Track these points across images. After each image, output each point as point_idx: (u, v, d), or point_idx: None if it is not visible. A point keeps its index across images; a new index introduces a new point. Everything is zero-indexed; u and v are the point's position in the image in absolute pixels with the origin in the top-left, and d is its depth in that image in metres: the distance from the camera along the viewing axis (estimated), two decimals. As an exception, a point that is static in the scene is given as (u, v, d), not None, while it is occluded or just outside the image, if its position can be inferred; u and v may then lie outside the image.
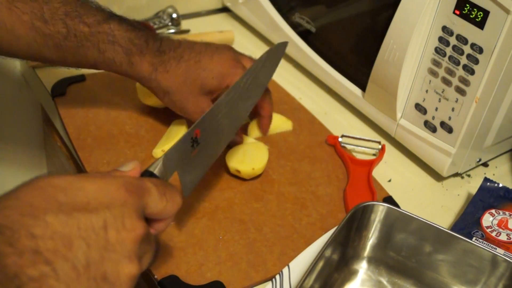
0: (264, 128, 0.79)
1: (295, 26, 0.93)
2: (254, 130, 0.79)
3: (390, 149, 0.82)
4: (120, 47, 0.68)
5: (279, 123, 0.81)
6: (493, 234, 0.67)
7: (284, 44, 0.75)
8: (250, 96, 0.69)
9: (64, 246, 0.41)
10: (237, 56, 0.73)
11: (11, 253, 0.39)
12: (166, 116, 0.80)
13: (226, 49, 0.73)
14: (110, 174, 0.48)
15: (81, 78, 0.84)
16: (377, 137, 0.84)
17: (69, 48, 0.66)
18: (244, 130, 0.79)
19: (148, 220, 0.47)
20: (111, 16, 0.68)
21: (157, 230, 0.48)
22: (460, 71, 0.70)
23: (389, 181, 0.77)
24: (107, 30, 0.67)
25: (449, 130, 0.74)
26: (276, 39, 0.97)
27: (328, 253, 0.58)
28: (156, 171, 0.50)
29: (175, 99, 0.71)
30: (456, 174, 0.79)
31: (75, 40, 0.66)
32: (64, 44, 0.66)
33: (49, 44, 0.65)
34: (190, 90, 0.71)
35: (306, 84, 0.94)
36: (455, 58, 0.70)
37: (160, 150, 0.73)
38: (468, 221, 0.69)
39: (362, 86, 0.83)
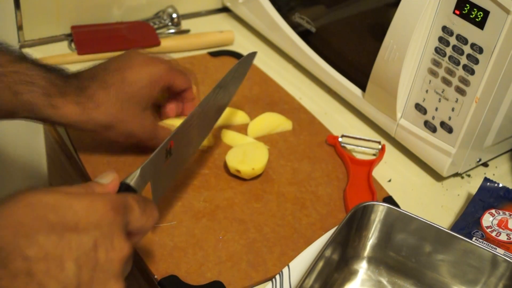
0: (186, 112, 0.74)
1: (295, 26, 0.93)
2: (254, 130, 0.79)
3: (390, 149, 0.82)
4: (38, 88, 0.61)
5: (279, 123, 0.81)
6: (493, 234, 0.67)
7: (253, 54, 0.75)
8: (219, 105, 0.69)
9: (56, 268, 0.41)
10: (147, 55, 0.70)
11: (5, 275, 0.39)
12: (166, 116, 0.80)
13: (135, 53, 0.70)
14: (94, 188, 0.48)
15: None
16: (377, 137, 0.83)
17: None
18: (244, 130, 0.79)
19: (127, 233, 0.47)
20: (24, 57, 0.63)
21: (133, 243, 0.48)
22: (460, 71, 0.70)
23: (389, 181, 0.77)
24: (22, 70, 0.61)
25: (449, 130, 0.74)
26: (276, 39, 0.97)
27: (328, 253, 0.58)
28: (132, 183, 0.51)
29: (121, 129, 0.67)
30: (456, 174, 0.79)
31: None
32: None
33: None
34: (130, 112, 0.66)
35: (306, 84, 0.94)
36: (455, 58, 0.70)
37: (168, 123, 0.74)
38: (468, 221, 0.69)
39: (362, 86, 0.83)
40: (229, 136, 0.78)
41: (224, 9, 1.08)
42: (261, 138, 0.79)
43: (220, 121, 0.75)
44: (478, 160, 0.79)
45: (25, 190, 0.44)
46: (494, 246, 0.65)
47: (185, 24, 1.01)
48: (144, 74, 0.67)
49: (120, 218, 0.46)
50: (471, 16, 0.67)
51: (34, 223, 0.42)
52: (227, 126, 0.80)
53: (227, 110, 0.80)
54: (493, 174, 0.80)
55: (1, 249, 0.40)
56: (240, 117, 0.81)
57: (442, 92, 0.73)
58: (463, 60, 0.70)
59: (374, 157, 0.79)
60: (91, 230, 0.43)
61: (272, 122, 0.80)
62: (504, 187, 0.73)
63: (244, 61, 0.74)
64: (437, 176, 0.78)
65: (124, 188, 0.51)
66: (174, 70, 0.70)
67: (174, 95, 0.73)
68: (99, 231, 0.44)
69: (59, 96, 0.63)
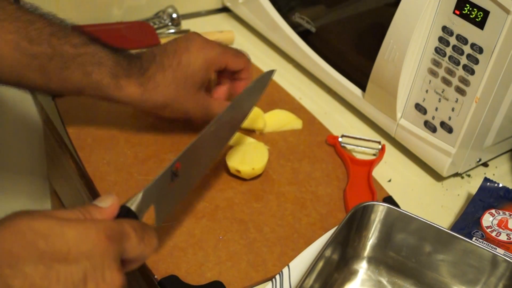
0: (237, 90, 0.75)
1: (295, 26, 0.93)
2: (255, 124, 0.79)
3: (390, 149, 0.82)
4: (106, 69, 0.65)
5: (290, 120, 0.81)
6: (493, 234, 0.67)
7: (271, 72, 0.75)
8: (232, 125, 0.69)
9: None
10: (204, 38, 0.73)
11: None
12: (166, 116, 0.80)
13: (193, 36, 0.72)
14: (92, 212, 0.46)
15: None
16: (377, 137, 0.83)
17: (54, 70, 0.64)
18: (243, 131, 0.79)
19: (122, 260, 0.46)
20: (94, 39, 0.67)
21: (128, 270, 0.47)
22: (460, 71, 0.70)
23: (389, 181, 0.77)
24: (92, 52, 0.65)
25: (449, 130, 0.74)
26: (276, 39, 0.97)
27: (328, 253, 0.58)
28: (133, 207, 0.49)
29: (176, 108, 0.71)
30: (456, 174, 0.79)
31: (60, 61, 0.64)
32: (49, 65, 0.63)
33: (33, 66, 0.63)
34: (186, 92, 0.70)
35: (306, 84, 0.93)
36: (455, 58, 0.70)
37: None
38: (468, 221, 0.69)
39: (362, 86, 0.83)
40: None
41: (224, 9, 1.08)
42: (261, 138, 0.79)
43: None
44: (478, 160, 0.79)
45: (17, 214, 0.42)
46: (494, 246, 0.65)
47: (185, 24, 1.01)
48: (200, 57, 0.70)
49: (115, 247, 0.44)
50: (471, 16, 0.67)
51: (22, 251, 0.40)
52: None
53: None
54: (493, 174, 0.80)
55: None
56: (253, 111, 0.81)
57: (442, 92, 0.73)
58: (463, 60, 0.70)
59: (374, 157, 0.79)
60: (81, 260, 0.42)
61: (283, 119, 0.81)
62: (504, 187, 0.73)
63: (261, 79, 0.73)
64: (437, 176, 0.78)
65: (125, 212, 0.48)
66: (229, 53, 0.72)
67: (227, 76, 0.75)
68: (90, 262, 0.42)
69: (124, 77, 0.66)
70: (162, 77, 0.68)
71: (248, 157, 0.72)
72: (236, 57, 0.73)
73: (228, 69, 0.73)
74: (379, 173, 0.77)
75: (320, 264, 0.56)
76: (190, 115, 0.72)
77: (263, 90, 0.74)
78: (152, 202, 0.52)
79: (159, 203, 0.53)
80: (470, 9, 0.67)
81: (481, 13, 0.66)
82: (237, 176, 0.72)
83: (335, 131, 0.82)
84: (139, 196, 0.49)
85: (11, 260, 0.40)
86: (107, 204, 0.47)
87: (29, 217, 0.42)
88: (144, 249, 0.46)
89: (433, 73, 0.73)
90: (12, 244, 0.40)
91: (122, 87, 0.67)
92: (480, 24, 0.67)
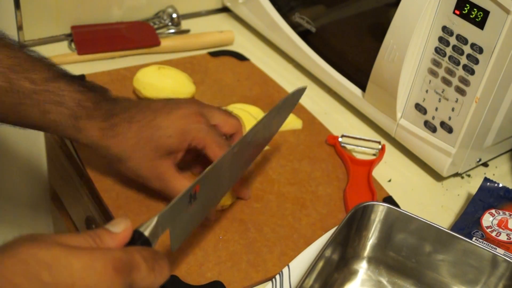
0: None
1: (295, 26, 0.93)
2: None
3: (390, 149, 0.82)
4: (66, 109, 0.61)
5: (290, 120, 0.81)
6: (493, 234, 0.66)
7: (302, 90, 0.68)
8: (257, 144, 0.65)
9: None
10: (202, 110, 0.65)
11: None
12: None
13: (188, 103, 0.66)
14: (103, 238, 0.44)
15: (81, 78, 0.84)
16: (377, 137, 0.83)
17: (9, 105, 0.60)
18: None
19: None
20: (62, 75, 0.63)
21: None
22: (460, 71, 0.70)
23: (389, 181, 0.77)
24: (54, 89, 0.61)
25: (449, 130, 0.74)
26: (276, 39, 0.97)
27: (328, 253, 0.58)
28: (147, 232, 0.46)
29: (130, 167, 0.63)
30: (456, 174, 0.79)
31: (16, 96, 0.60)
32: (5, 100, 0.60)
33: None
34: (143, 154, 0.62)
35: (306, 84, 0.93)
36: (455, 58, 0.70)
37: None
38: (468, 221, 0.69)
39: (362, 86, 0.83)
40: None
41: (224, 9, 1.08)
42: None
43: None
44: (478, 160, 0.79)
45: (21, 239, 0.41)
46: (494, 246, 0.65)
47: (185, 24, 1.01)
48: (177, 125, 0.63)
49: (122, 279, 0.42)
50: (471, 16, 0.67)
51: (25, 282, 0.39)
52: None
53: (240, 105, 0.81)
54: (493, 174, 0.80)
55: None
56: (254, 112, 0.81)
57: (442, 92, 0.73)
58: (463, 60, 0.70)
59: (374, 157, 0.79)
60: None
61: None
62: (504, 187, 0.73)
63: (291, 97, 0.68)
64: (437, 176, 0.78)
65: (137, 237, 0.46)
66: (212, 137, 0.63)
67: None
68: None
69: (85, 119, 0.62)
70: (125, 129, 0.62)
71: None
72: (219, 148, 0.63)
73: (204, 153, 0.64)
74: (379, 173, 0.77)
75: (320, 264, 0.56)
76: (143, 180, 0.65)
77: (292, 108, 0.69)
78: (168, 226, 0.50)
79: (175, 227, 0.51)
80: (470, 9, 0.67)
81: (481, 13, 0.66)
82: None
83: (335, 131, 0.82)
84: (154, 221, 0.47)
85: None
86: (120, 229, 0.45)
87: (33, 245, 0.41)
88: (154, 279, 0.44)
89: (433, 73, 0.73)
90: (14, 275, 0.39)
91: (81, 129, 0.62)
92: (480, 24, 0.67)
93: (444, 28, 0.70)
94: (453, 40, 0.70)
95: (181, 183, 0.63)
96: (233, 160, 0.59)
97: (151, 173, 0.63)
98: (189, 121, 0.63)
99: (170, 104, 0.65)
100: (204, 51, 0.96)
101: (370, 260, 0.64)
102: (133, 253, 0.44)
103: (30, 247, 0.40)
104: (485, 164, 0.82)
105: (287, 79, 0.93)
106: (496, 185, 0.73)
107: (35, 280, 0.39)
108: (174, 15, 0.99)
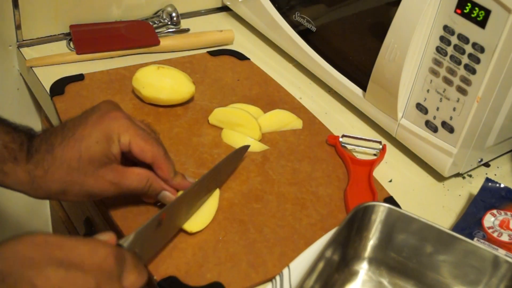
0: (180, 186, 0.65)
1: (295, 25, 0.92)
2: (264, 125, 0.79)
3: (391, 149, 0.82)
4: None
5: (290, 120, 0.81)
6: (495, 234, 0.66)
7: (245, 148, 0.73)
8: (209, 189, 0.67)
9: None
10: (113, 108, 0.62)
11: None
12: (165, 115, 0.79)
13: (102, 104, 0.62)
14: (96, 239, 0.51)
15: (80, 78, 0.84)
16: (378, 137, 0.83)
17: None
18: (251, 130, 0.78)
19: None
20: None
21: None
22: (461, 71, 0.70)
23: (390, 181, 0.76)
24: None
25: (451, 130, 0.73)
26: (276, 38, 0.97)
27: (328, 253, 0.57)
28: (125, 245, 0.53)
29: (77, 192, 0.60)
30: (457, 174, 0.79)
31: None
32: None
33: None
34: (82, 173, 0.58)
35: (307, 83, 0.93)
36: (457, 57, 0.70)
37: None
38: (469, 222, 0.69)
39: (363, 86, 0.83)
40: (229, 137, 0.77)
41: (224, 8, 1.08)
42: (269, 134, 0.78)
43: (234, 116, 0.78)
44: (479, 160, 0.79)
45: (28, 232, 0.46)
46: (496, 247, 0.64)
47: (184, 23, 1.01)
48: (96, 129, 0.59)
49: (118, 267, 0.48)
50: (473, 15, 0.67)
51: (42, 258, 0.45)
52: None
53: (240, 105, 0.81)
54: (495, 175, 0.80)
55: (10, 276, 0.43)
56: (253, 112, 0.80)
57: (443, 91, 0.73)
58: (465, 59, 0.69)
59: (374, 157, 0.79)
60: (95, 271, 0.46)
61: (284, 119, 0.80)
62: (505, 188, 0.73)
63: (236, 153, 0.72)
64: (438, 176, 0.78)
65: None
66: (136, 132, 0.60)
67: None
68: (101, 275, 0.46)
69: (11, 162, 0.58)
70: (50, 161, 0.58)
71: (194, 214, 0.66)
72: (144, 141, 0.60)
73: (134, 153, 0.61)
74: (380, 173, 0.77)
75: (321, 265, 0.56)
76: (98, 195, 0.61)
77: (238, 162, 0.73)
78: (138, 245, 0.55)
79: (142, 247, 0.56)
80: (472, 8, 0.67)
81: (482, 12, 0.66)
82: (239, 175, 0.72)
83: (336, 131, 0.82)
84: (131, 237, 0.54)
85: (33, 264, 0.44)
86: (106, 238, 0.52)
87: (43, 233, 0.47)
88: (137, 276, 0.51)
89: (434, 73, 0.73)
90: (32, 253, 0.45)
91: (7, 174, 0.57)
92: (482, 23, 0.66)
93: (445, 27, 0.70)
94: (454, 40, 0.70)
95: (135, 175, 0.61)
96: (192, 196, 0.64)
97: (102, 184, 0.60)
98: (107, 120, 0.60)
99: (85, 114, 0.61)
100: (204, 51, 0.96)
101: (371, 261, 0.63)
102: (123, 250, 0.51)
103: (39, 235, 0.46)
104: (487, 164, 0.82)
105: (287, 79, 0.93)
106: (497, 185, 0.73)
107: (51, 256, 0.45)
108: (174, 14, 0.99)
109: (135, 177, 0.61)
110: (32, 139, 0.59)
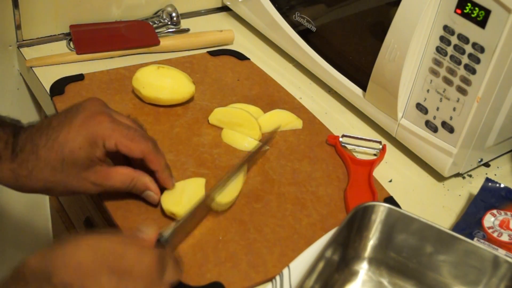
0: (165, 181, 0.65)
1: (295, 25, 0.92)
2: (264, 125, 0.79)
3: (391, 149, 0.82)
4: None
5: (290, 120, 0.81)
6: (495, 234, 0.66)
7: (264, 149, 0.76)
8: (209, 209, 0.67)
9: None
10: (103, 108, 0.62)
11: None
12: (165, 115, 0.79)
13: (88, 103, 0.62)
14: (141, 239, 0.53)
15: (80, 77, 0.84)
16: (378, 137, 0.83)
17: None
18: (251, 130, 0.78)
19: None
20: None
21: None
22: (461, 71, 0.70)
23: (390, 181, 0.76)
24: None
25: (451, 130, 0.73)
26: (276, 38, 0.97)
27: (328, 253, 0.57)
28: (165, 236, 0.57)
29: (61, 190, 0.61)
30: (457, 174, 0.79)
31: None
32: None
33: None
34: (66, 175, 0.59)
35: (307, 83, 0.93)
36: (457, 57, 0.70)
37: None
38: (469, 222, 0.69)
39: (363, 86, 0.83)
40: (229, 137, 0.77)
41: (224, 8, 1.08)
42: (269, 134, 0.78)
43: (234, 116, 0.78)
44: (479, 160, 0.79)
45: (80, 233, 0.49)
46: (496, 247, 0.64)
47: (184, 23, 1.01)
48: (81, 133, 0.59)
49: (161, 271, 0.51)
50: (473, 15, 0.67)
51: (93, 264, 0.47)
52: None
53: (240, 105, 0.81)
54: (495, 175, 0.80)
55: (68, 285, 0.46)
56: (253, 112, 0.80)
57: (443, 91, 0.73)
58: (465, 59, 0.69)
59: (375, 157, 0.79)
60: (143, 278, 0.49)
61: (284, 119, 0.80)
62: (505, 188, 0.73)
63: (257, 151, 0.74)
64: (438, 176, 0.78)
65: (160, 237, 0.56)
66: (121, 134, 0.60)
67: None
68: (149, 281, 0.49)
69: None
70: (35, 161, 0.58)
71: (185, 198, 0.65)
72: (130, 141, 0.61)
73: (122, 153, 0.61)
74: (380, 173, 0.77)
75: (321, 265, 0.56)
76: (82, 193, 0.62)
77: (257, 160, 0.75)
78: (174, 235, 0.59)
79: (177, 236, 0.60)
80: (472, 8, 0.67)
81: (482, 12, 0.66)
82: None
83: (336, 131, 0.82)
84: (171, 229, 0.57)
85: (90, 272, 0.46)
86: (151, 233, 0.54)
87: (93, 236, 0.49)
88: (176, 273, 0.54)
89: (434, 73, 0.73)
90: (83, 258, 0.47)
91: None
92: (482, 23, 0.66)
93: (445, 27, 0.70)
94: (454, 40, 0.70)
95: (119, 175, 0.62)
96: (190, 218, 0.63)
97: (85, 185, 0.61)
98: (91, 124, 0.59)
99: (70, 112, 0.61)
100: (204, 50, 0.96)
101: (371, 261, 0.63)
102: (165, 252, 0.53)
103: (93, 238, 0.49)
104: (487, 164, 0.82)
105: (287, 79, 0.93)
106: (497, 185, 0.73)
107: (103, 263, 0.47)
108: (174, 14, 0.99)
109: (119, 177, 0.62)
110: (17, 136, 0.60)
